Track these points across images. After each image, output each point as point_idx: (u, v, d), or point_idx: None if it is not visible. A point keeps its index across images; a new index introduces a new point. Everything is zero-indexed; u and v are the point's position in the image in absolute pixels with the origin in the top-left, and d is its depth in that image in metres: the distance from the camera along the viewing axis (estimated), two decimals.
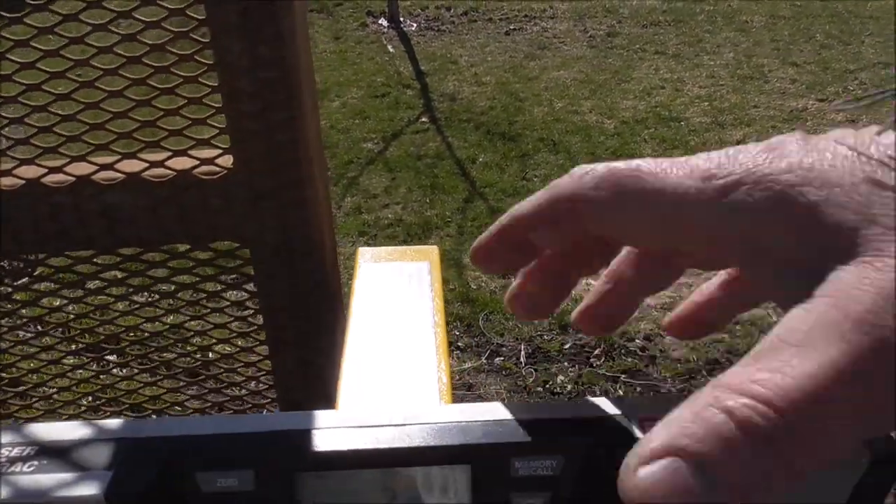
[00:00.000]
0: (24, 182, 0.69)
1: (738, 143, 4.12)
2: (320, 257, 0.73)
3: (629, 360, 2.70)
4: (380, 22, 6.17)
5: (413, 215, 3.67)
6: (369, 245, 3.47)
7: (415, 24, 6.15)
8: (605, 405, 0.37)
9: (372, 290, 0.59)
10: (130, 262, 0.73)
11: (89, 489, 0.33)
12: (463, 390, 2.59)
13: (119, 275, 0.75)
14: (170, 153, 0.69)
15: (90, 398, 0.89)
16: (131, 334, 0.83)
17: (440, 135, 4.42)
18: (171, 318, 0.79)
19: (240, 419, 0.37)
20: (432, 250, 0.66)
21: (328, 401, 0.63)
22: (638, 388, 2.57)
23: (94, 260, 0.72)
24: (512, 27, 6.02)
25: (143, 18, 0.64)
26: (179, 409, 0.89)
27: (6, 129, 0.72)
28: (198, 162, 0.69)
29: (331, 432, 0.36)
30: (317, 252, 0.72)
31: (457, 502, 0.35)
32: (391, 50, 5.69)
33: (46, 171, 0.70)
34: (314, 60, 0.73)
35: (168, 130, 0.69)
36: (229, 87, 0.66)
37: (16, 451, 0.34)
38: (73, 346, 0.83)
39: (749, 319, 2.79)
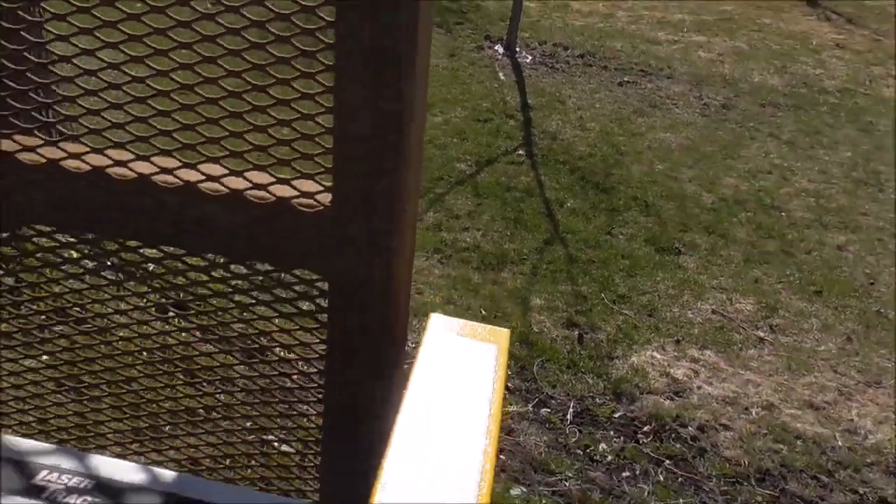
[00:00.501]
0: (136, 176, 0.73)
1: (839, 248, 3.93)
2: (394, 305, 0.73)
3: (678, 446, 2.60)
4: (496, 48, 6.22)
5: (491, 244, 3.67)
6: (442, 264, 3.49)
7: (530, 57, 6.17)
8: None
9: (435, 366, 0.59)
10: (216, 268, 0.75)
11: None
12: (502, 433, 2.55)
13: (202, 277, 0.77)
14: (273, 179, 0.71)
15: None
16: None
17: (534, 171, 4.41)
18: (243, 327, 0.81)
19: (273, 499, 0.37)
20: (503, 334, 0.65)
21: (369, 446, 0.63)
22: (679, 479, 2.48)
23: (184, 259, 0.75)
24: (626, 79, 5.95)
25: (273, 52, 0.66)
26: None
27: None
28: (298, 193, 0.71)
29: None
30: (391, 300, 0.73)
31: None
32: (502, 78, 5.72)
33: (158, 170, 0.73)
34: None
35: (277, 158, 0.71)
36: (341, 130, 0.67)
37: (74, 481, 0.36)
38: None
39: (812, 438, 2.65)
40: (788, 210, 4.24)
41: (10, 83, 0.72)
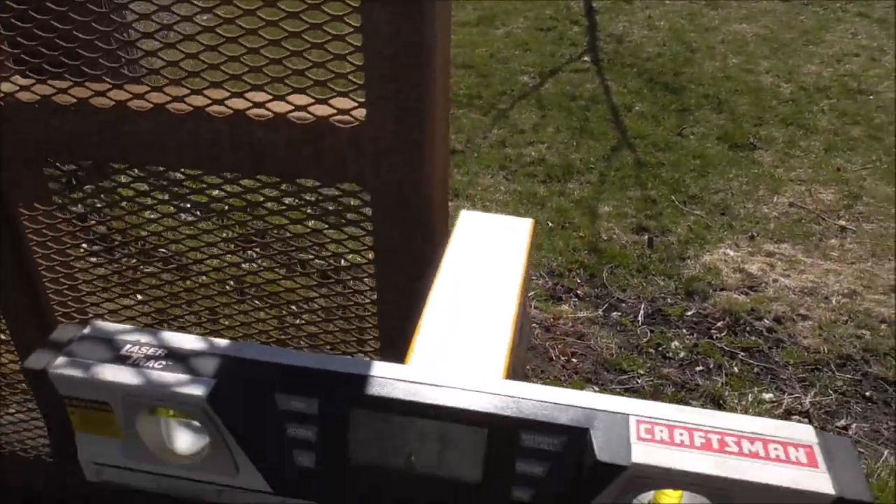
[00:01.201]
0: (191, 109, 0.81)
1: None
2: (430, 212, 0.80)
3: (753, 338, 2.61)
4: None
5: (557, 156, 3.66)
6: (507, 180, 3.52)
7: None
8: (607, 401, 0.43)
9: (464, 253, 0.66)
10: (269, 188, 0.84)
11: (198, 391, 0.43)
12: (573, 338, 2.63)
13: (258, 198, 0.86)
14: (313, 100, 0.78)
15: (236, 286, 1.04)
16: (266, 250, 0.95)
17: (599, 77, 4.31)
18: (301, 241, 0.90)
19: (318, 357, 0.46)
20: (528, 224, 0.71)
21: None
22: (755, 369, 2.50)
23: (241, 182, 0.84)
24: None
25: None
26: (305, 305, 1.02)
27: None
28: (335, 111, 0.78)
29: (385, 381, 0.44)
30: (427, 207, 0.79)
31: (473, 456, 0.42)
32: None
33: (210, 102, 0.81)
34: None
35: (313, 80, 0.78)
36: (371, 49, 0.73)
37: (151, 350, 0.45)
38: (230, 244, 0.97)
39: None
40: (877, 93, 4.00)
41: (81, 34, 0.81)
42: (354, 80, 0.76)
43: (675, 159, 3.57)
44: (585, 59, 4.50)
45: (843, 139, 3.64)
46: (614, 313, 2.75)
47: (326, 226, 0.87)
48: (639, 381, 2.39)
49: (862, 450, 2.07)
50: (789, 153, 3.57)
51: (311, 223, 0.88)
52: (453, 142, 3.81)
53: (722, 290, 2.80)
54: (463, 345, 0.55)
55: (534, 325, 2.72)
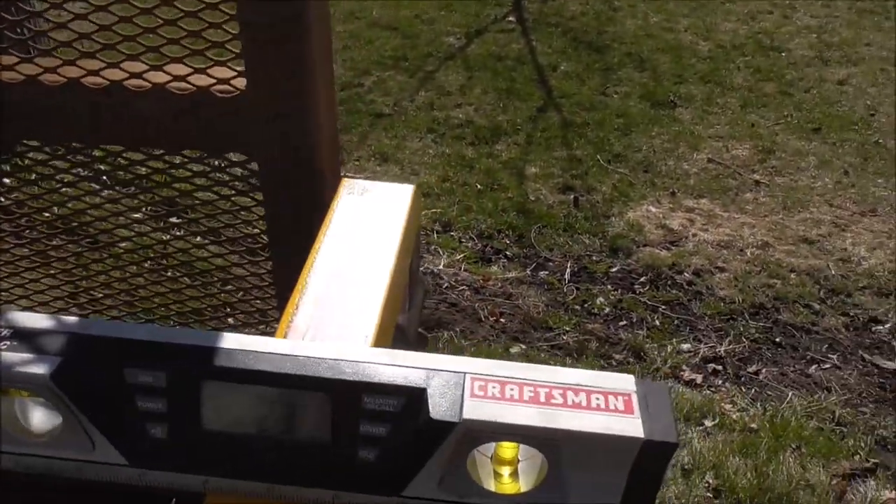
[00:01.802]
0: (66, 80, 0.78)
1: (840, 83, 3.85)
2: (319, 180, 0.80)
3: (674, 292, 2.71)
4: None
5: (484, 118, 3.67)
6: (436, 143, 3.51)
7: None
8: (446, 361, 0.45)
9: (343, 222, 0.66)
10: (154, 160, 0.82)
11: (41, 369, 0.43)
12: (502, 298, 2.68)
13: (144, 170, 0.84)
14: (191, 70, 0.76)
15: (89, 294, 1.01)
16: (138, 228, 0.93)
17: (525, 37, 4.32)
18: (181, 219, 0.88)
19: (166, 330, 0.46)
20: (410, 189, 0.71)
21: None
22: (675, 322, 2.60)
23: (124, 155, 0.81)
24: None
25: None
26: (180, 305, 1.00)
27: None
28: (215, 80, 0.76)
29: (231, 352, 0.44)
30: (315, 175, 0.79)
31: (318, 419, 0.44)
32: None
33: (86, 72, 0.78)
34: None
35: (190, 49, 0.76)
36: (247, 17, 0.71)
37: None
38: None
39: (806, 270, 2.74)
40: (789, 49, 4.13)
41: None
42: (232, 48, 0.74)
43: (600, 118, 3.63)
44: (511, 18, 4.49)
45: (758, 95, 3.76)
46: (542, 272, 2.81)
47: (217, 197, 0.85)
48: (565, 338, 2.46)
49: (769, 392, 2.19)
50: (707, 110, 3.67)
51: (201, 195, 0.86)
52: (381, 105, 3.77)
53: (645, 246, 2.88)
54: (333, 313, 0.56)
55: (463, 287, 2.75)
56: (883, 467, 1.92)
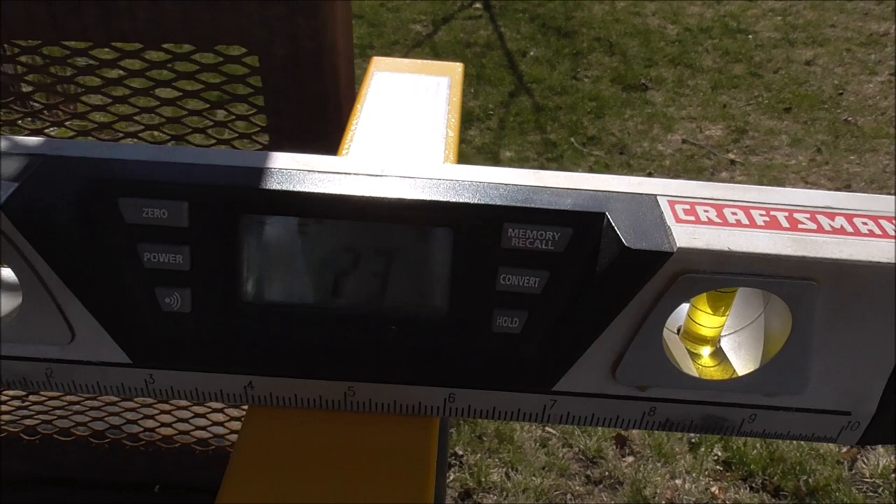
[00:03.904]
0: None
1: (807, 63, 3.86)
2: (333, 76, 0.69)
3: None
4: None
5: None
6: None
7: None
8: (620, 181, 0.31)
9: (382, 100, 0.54)
10: (129, 58, 0.70)
11: None
12: None
13: (118, 74, 0.72)
14: None
15: None
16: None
17: (493, 23, 4.25)
18: (172, 128, 0.76)
19: (183, 150, 0.30)
20: (456, 67, 0.60)
21: None
22: None
23: (91, 53, 0.69)
24: None
25: None
26: None
27: None
28: None
29: (289, 173, 0.29)
30: (328, 70, 0.68)
31: (432, 272, 0.29)
32: None
33: None
34: None
35: None
36: None
37: None
38: None
39: None
40: (756, 31, 4.14)
41: None
42: None
43: (572, 102, 3.57)
44: (477, 5, 4.42)
45: (727, 77, 3.75)
46: None
47: (208, 104, 0.73)
48: None
49: None
50: (679, 92, 3.64)
51: (192, 102, 0.74)
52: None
53: None
54: (399, 138, 0.43)
55: None
56: None
